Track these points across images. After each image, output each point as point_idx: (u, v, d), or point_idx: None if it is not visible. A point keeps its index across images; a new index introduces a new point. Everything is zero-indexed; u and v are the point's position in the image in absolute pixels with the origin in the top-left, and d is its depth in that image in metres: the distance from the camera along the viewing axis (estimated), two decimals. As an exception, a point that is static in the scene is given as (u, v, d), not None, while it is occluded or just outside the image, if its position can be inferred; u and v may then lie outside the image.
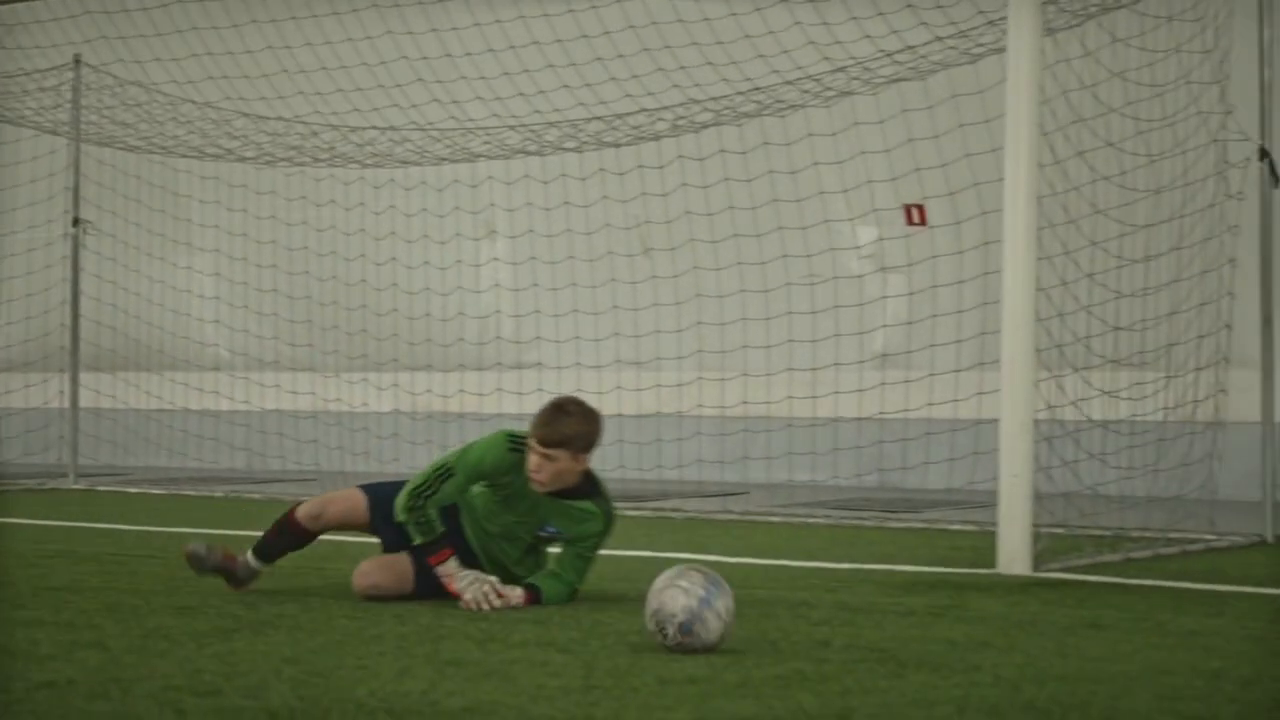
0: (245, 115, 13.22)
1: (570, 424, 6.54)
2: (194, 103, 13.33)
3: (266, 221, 14.57)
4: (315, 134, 12.84)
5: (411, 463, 13.92)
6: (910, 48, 10.18)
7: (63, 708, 4.47)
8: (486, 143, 12.51)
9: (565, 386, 13.33)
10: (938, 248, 11.68)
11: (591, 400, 6.68)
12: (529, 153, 12.67)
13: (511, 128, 12.29)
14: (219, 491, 13.07)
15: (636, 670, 5.17)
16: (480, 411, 13.66)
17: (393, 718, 4.41)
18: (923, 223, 12.24)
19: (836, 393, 12.16)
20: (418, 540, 6.67)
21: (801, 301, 12.29)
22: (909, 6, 9.96)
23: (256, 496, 12.71)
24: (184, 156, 14.32)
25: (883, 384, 11.86)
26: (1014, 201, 7.81)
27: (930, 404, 11.50)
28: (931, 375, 11.69)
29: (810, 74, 10.64)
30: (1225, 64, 9.22)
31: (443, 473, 6.68)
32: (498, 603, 6.51)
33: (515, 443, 6.68)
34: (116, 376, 15.69)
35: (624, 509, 11.68)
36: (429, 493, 6.64)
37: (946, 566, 8.24)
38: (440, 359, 14.00)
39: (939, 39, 9.83)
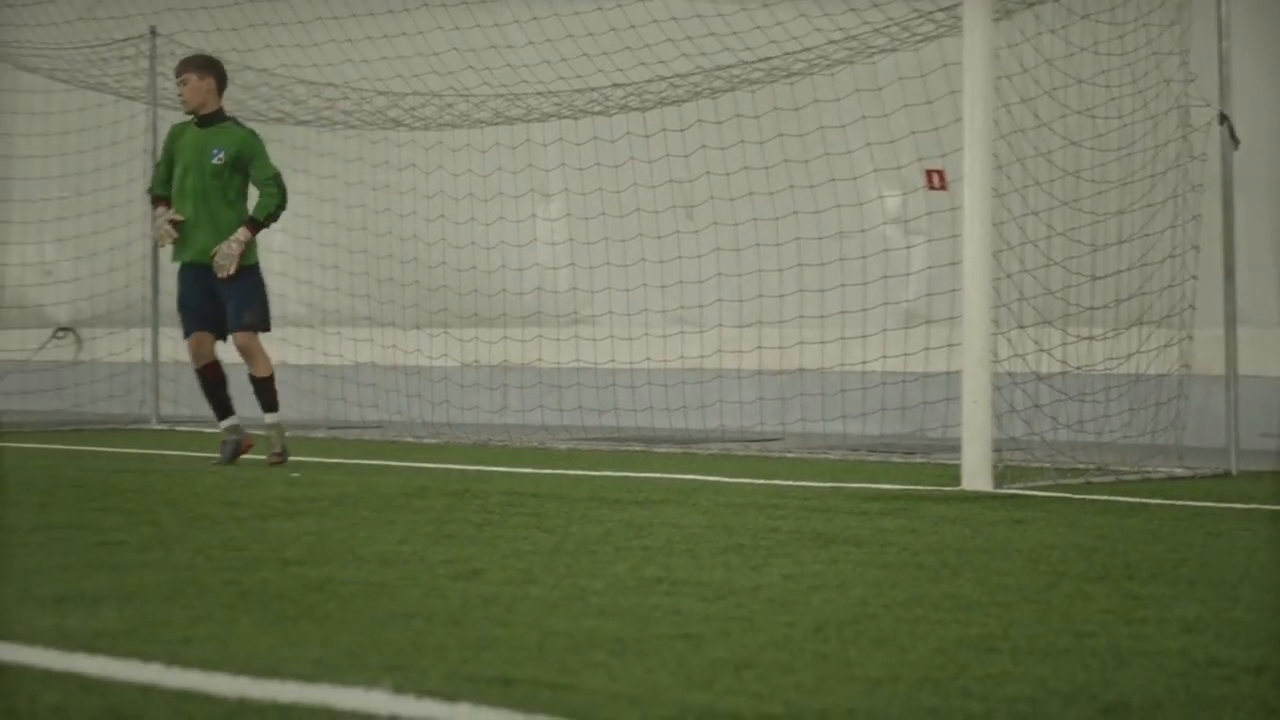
0: (302, 82, 14.19)
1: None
2: (254, 69, 14.31)
3: (328, 181, 15.55)
4: (367, 100, 13.82)
5: (460, 407, 14.87)
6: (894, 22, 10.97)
7: (116, 556, 5.49)
8: (522, 108, 13.38)
9: (615, 336, 14.19)
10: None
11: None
12: (562, 117, 13.53)
13: (542, 94, 13.16)
14: (286, 433, 14.06)
15: (602, 540, 6.15)
16: (539, 364, 14.45)
17: (381, 563, 5.42)
18: (944, 187, 12.60)
19: (864, 348, 12.75)
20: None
21: (819, 255, 13.06)
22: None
23: (320, 435, 13.71)
24: (247, 120, 15.25)
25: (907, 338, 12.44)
26: (972, 167, 8.66)
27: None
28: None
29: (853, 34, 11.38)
30: (1186, 36, 10.07)
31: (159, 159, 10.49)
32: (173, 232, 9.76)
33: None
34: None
35: (660, 451, 12.54)
36: (154, 172, 10.44)
37: (922, 486, 9.02)
38: (487, 310, 14.89)
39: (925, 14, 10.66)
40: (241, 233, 9.69)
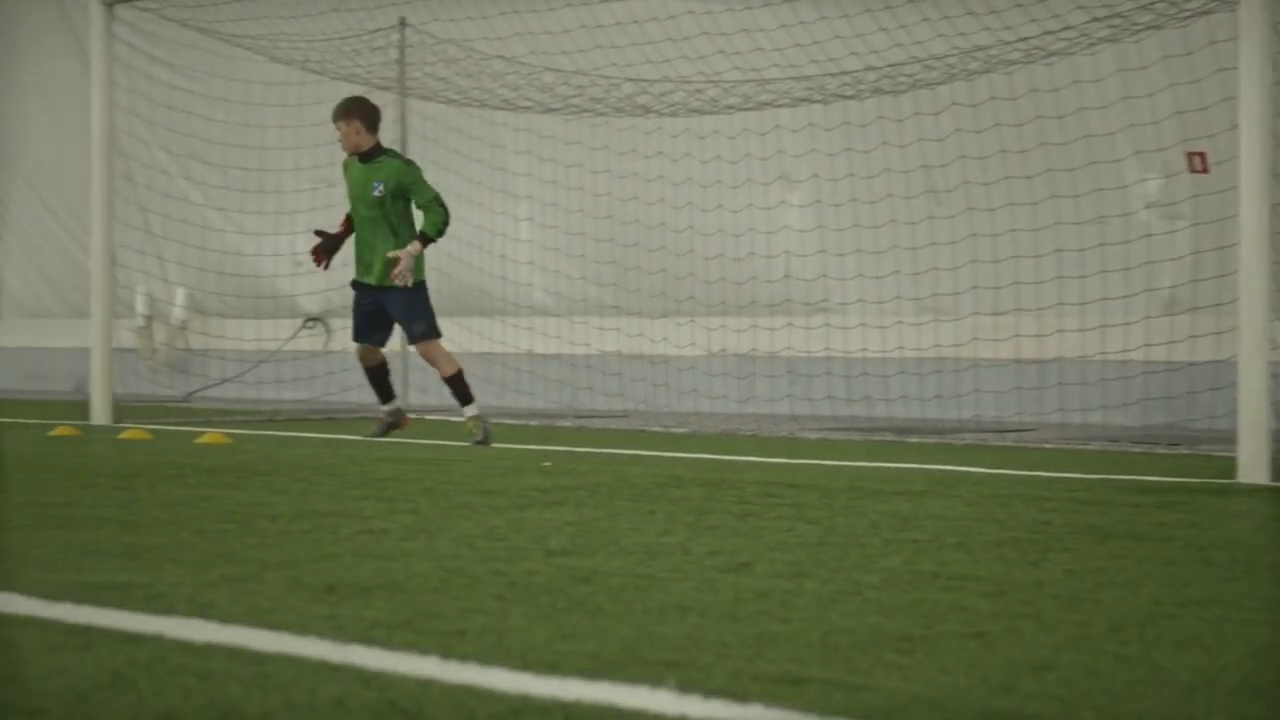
0: (550, 69, 14.16)
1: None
2: (504, 58, 14.31)
3: (574, 169, 15.51)
4: (615, 86, 13.72)
5: (708, 396, 14.74)
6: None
7: (380, 544, 5.43)
8: (773, 92, 13.20)
9: (849, 324, 13.98)
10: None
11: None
12: (814, 101, 13.32)
13: (794, 79, 12.97)
14: (534, 422, 14.09)
15: (869, 532, 5.96)
16: (787, 353, 14.29)
17: (645, 554, 5.28)
18: (1206, 170, 12.23)
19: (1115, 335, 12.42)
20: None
21: (1078, 241, 12.70)
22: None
23: (568, 425, 13.70)
24: (497, 108, 15.29)
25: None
26: (1249, 147, 8.28)
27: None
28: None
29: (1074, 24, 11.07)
30: None
31: None
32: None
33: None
34: (445, 318, 16.69)
35: (914, 441, 12.32)
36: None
37: (1194, 478, 8.66)
38: (735, 298, 14.74)
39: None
40: (414, 245, 10.79)
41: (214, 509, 6.46)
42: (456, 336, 16.69)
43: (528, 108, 14.64)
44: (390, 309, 10.99)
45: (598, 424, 13.81)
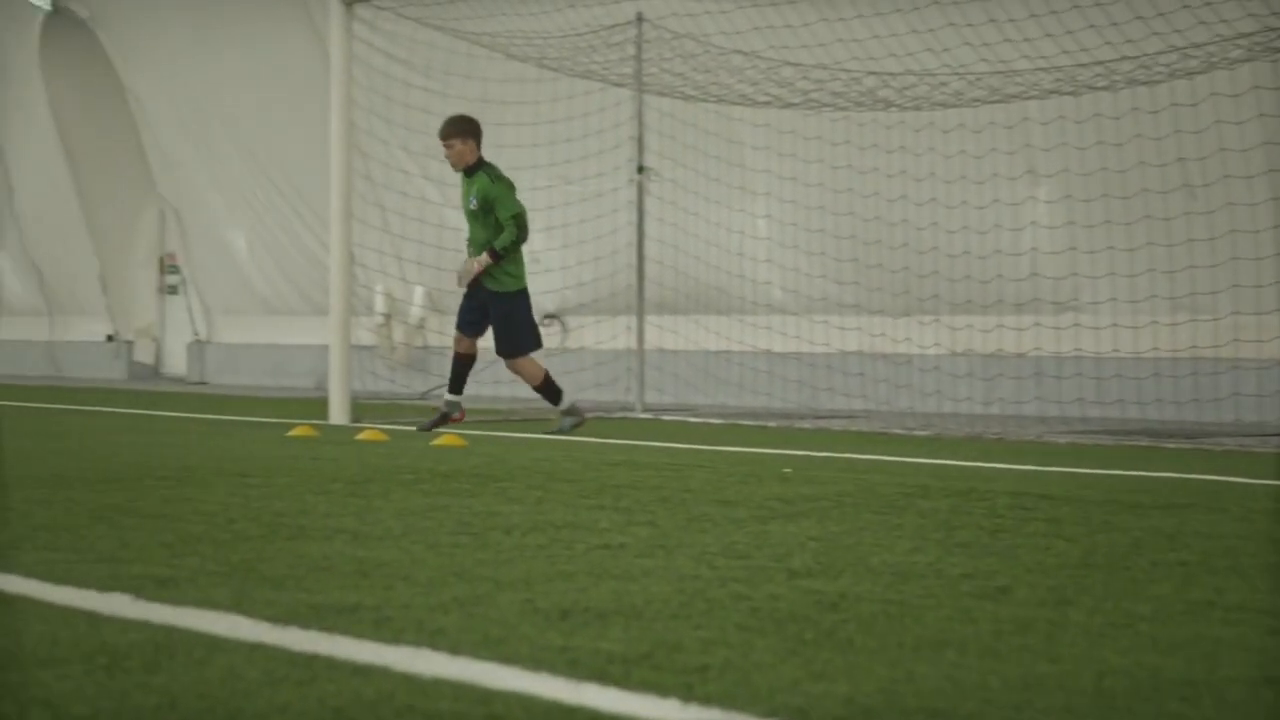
0: (789, 63, 13.86)
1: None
2: (742, 53, 14.05)
3: (814, 165, 15.20)
4: (857, 80, 13.38)
5: (952, 398, 14.35)
6: None
7: (616, 561, 5.21)
8: (1021, 84, 12.78)
9: (1101, 324, 13.52)
10: None
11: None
12: (1063, 93, 12.86)
13: (1043, 70, 12.53)
14: (772, 423, 13.83)
15: (1133, 552, 5.58)
16: (1036, 353, 13.88)
17: (895, 575, 4.98)
18: None
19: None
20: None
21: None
22: None
23: (807, 426, 13.41)
24: (735, 104, 15.04)
25: None
26: None
27: None
28: None
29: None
30: None
31: None
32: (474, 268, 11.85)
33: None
34: (680, 316, 16.58)
35: (1169, 447, 11.85)
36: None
37: None
38: (980, 297, 14.33)
39: None
40: (483, 257, 11.86)
41: (448, 519, 6.30)
42: (693, 335, 16.52)
43: (766, 103, 14.36)
44: (491, 315, 12.05)
45: (837, 425, 13.50)
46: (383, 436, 11.15)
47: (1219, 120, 12.37)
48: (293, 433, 11.39)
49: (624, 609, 4.30)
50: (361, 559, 5.19)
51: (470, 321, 12.18)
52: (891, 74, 13.20)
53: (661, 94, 15.28)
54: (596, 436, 11.75)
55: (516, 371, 12.31)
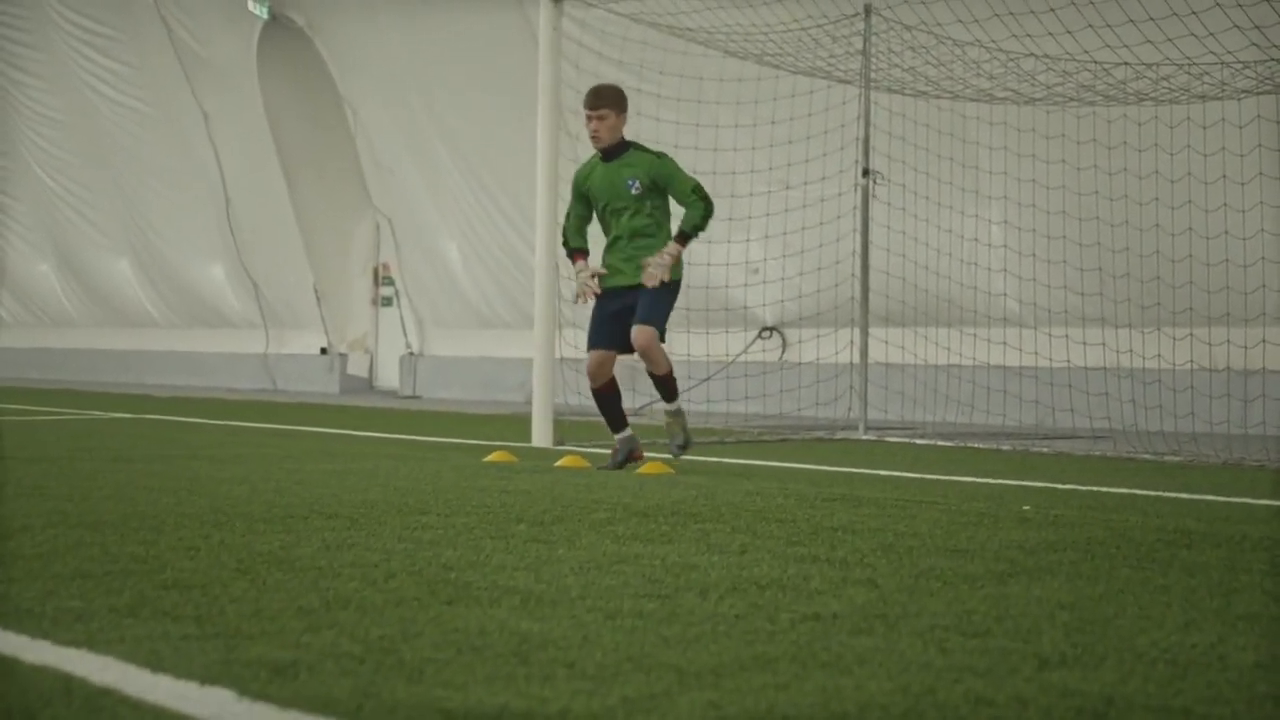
0: (1033, 55, 12.82)
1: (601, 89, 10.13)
2: (980, 44, 13.03)
3: (1056, 166, 14.16)
4: (1107, 71, 12.28)
5: (1206, 420, 13.21)
6: None
7: (826, 640, 4.32)
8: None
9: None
10: None
11: None
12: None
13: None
14: (1006, 445, 12.83)
15: None
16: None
17: (1171, 669, 4.02)
18: None
19: None
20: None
21: None
22: None
23: (1044, 450, 12.39)
24: (971, 100, 14.07)
25: None
26: None
27: None
28: None
29: None
30: None
31: (568, 209, 10.30)
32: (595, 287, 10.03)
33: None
34: (907, 329, 15.64)
35: None
36: (565, 223, 10.40)
37: None
38: (1239, 310, 13.18)
39: None
40: (672, 246, 9.89)
41: (635, 576, 5.45)
42: (919, 349, 15.55)
43: (1005, 99, 13.31)
44: (641, 300, 9.93)
45: (1079, 449, 12.42)
46: (583, 463, 10.35)
47: None
48: (490, 458, 10.65)
49: (834, 714, 3.42)
50: (524, 634, 4.36)
51: (608, 333, 10.09)
52: (1146, 64, 12.07)
53: (890, 90, 14.32)
54: (815, 463, 10.84)
55: (649, 355, 9.93)
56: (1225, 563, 5.92)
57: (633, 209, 9.97)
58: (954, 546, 6.30)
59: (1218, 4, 11.27)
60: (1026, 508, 7.84)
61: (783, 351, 17.25)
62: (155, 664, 3.93)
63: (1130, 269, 13.70)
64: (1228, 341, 13.08)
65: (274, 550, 5.96)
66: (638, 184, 9.93)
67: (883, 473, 10.14)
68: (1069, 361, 14.27)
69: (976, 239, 15.16)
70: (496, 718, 3.42)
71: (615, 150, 10.02)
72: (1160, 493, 8.97)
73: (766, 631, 4.45)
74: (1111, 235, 13.81)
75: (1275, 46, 11.39)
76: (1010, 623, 4.62)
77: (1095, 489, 9.16)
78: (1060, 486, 9.30)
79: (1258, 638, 4.44)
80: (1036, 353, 14.53)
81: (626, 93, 10.17)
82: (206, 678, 3.77)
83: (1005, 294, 15.10)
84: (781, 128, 15.76)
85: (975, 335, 15.11)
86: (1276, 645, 4.35)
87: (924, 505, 7.92)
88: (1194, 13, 11.49)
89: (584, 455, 10.86)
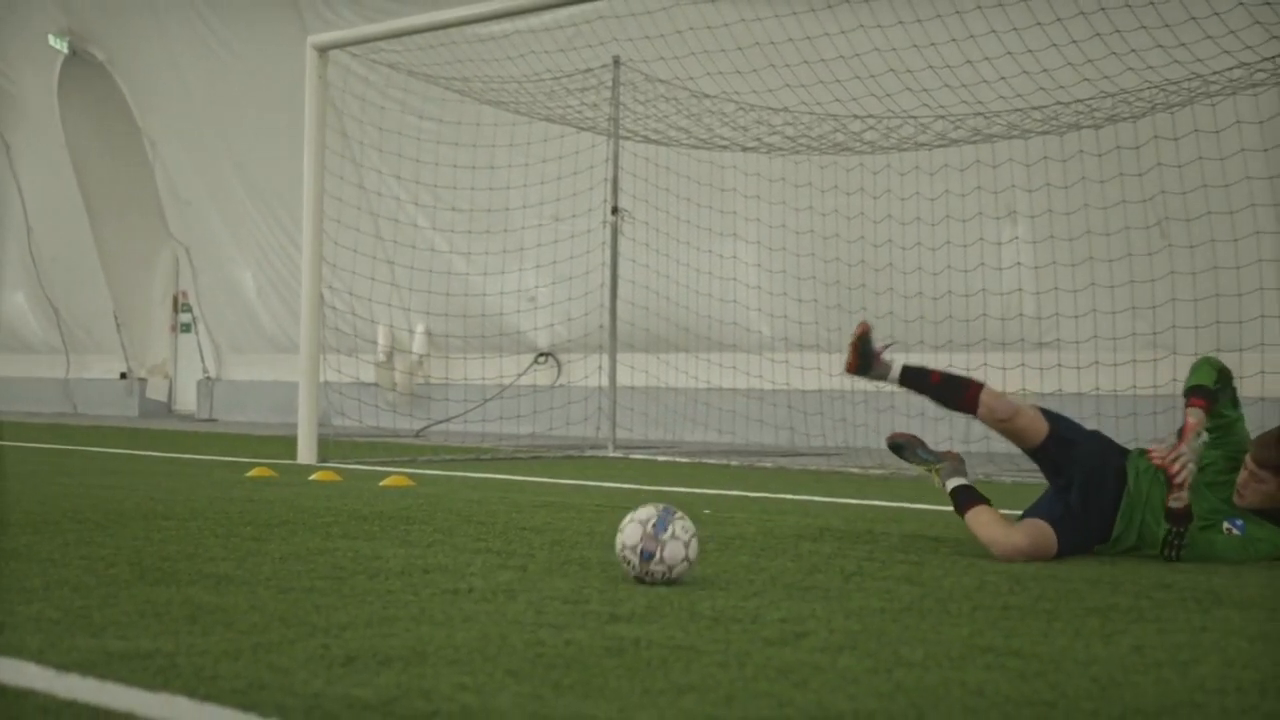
0: (777, 109, 13.93)
1: None
2: (728, 97, 14.09)
3: (804, 212, 15.30)
4: (844, 125, 13.43)
5: (949, 443, 14.30)
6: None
7: (450, 607, 5.24)
8: (1003, 125, 12.79)
9: (1083, 363, 13.47)
10: None
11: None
12: (1046, 133, 12.86)
13: (1020, 110, 12.55)
14: (734, 461, 13.80)
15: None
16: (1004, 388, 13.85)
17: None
18: None
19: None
20: (1199, 382, 6.46)
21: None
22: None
23: (767, 465, 13.38)
24: (720, 149, 15.10)
25: None
26: None
27: None
28: None
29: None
30: None
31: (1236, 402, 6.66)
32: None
33: None
34: (652, 356, 16.74)
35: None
36: (1226, 393, 6.57)
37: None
38: (963, 337, 14.31)
39: None
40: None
41: (325, 564, 6.33)
42: (661, 373, 16.57)
43: (754, 148, 14.44)
44: None
45: (798, 464, 13.48)
46: (336, 477, 11.22)
47: (1202, 157, 12.37)
48: (251, 473, 11.48)
49: (404, 655, 4.33)
50: (202, 604, 5.24)
51: None
52: (875, 116, 13.26)
53: (635, 138, 15.41)
54: (553, 477, 11.78)
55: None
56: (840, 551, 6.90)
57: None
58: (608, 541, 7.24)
59: (929, 67, 12.52)
60: (707, 511, 8.80)
61: (558, 375, 18.22)
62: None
63: (866, 304, 14.83)
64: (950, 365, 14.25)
65: (16, 547, 6.75)
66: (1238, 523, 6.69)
67: (604, 484, 11.06)
68: (806, 387, 15.40)
69: (711, 272, 16.36)
70: (149, 656, 4.30)
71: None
72: (836, 500, 9.96)
73: (404, 601, 5.35)
74: (849, 273, 14.96)
75: (980, 102, 12.60)
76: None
77: (772, 496, 10.13)
78: (754, 495, 10.25)
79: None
80: (774, 380, 15.65)
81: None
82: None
83: (747, 326, 16.23)
84: (551, 165, 16.77)
85: (720, 363, 16.24)
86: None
87: (612, 510, 8.86)
88: (910, 70, 12.74)
89: (338, 471, 11.71)
